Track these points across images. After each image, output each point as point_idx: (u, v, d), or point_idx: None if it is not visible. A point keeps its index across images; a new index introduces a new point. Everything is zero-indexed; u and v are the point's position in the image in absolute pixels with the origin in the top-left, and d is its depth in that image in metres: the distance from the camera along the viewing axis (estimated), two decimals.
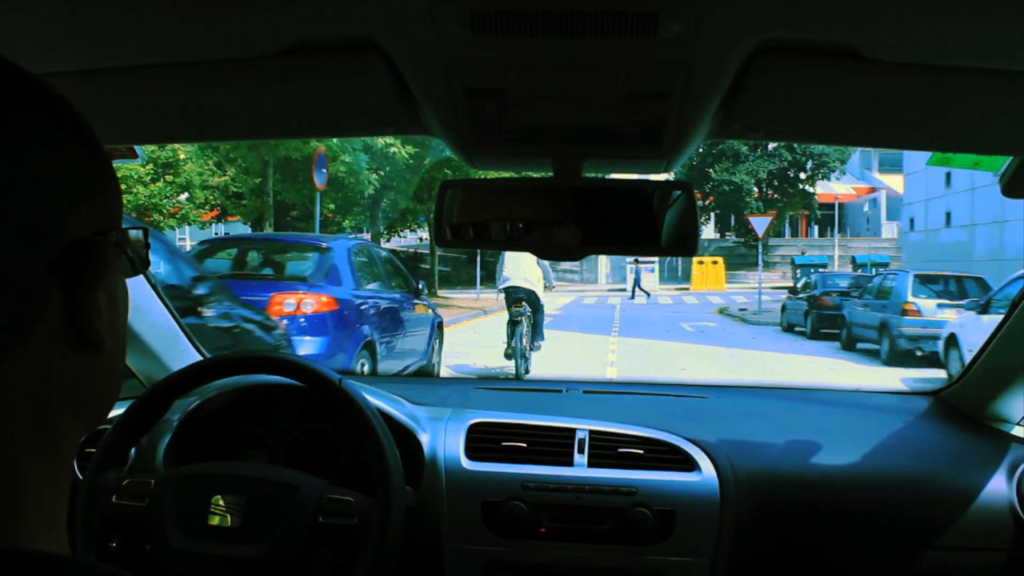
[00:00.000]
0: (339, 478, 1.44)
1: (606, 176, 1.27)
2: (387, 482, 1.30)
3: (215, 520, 1.29)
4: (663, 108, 0.94)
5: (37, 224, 0.44)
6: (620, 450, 1.60)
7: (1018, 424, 1.70)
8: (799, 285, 16.65)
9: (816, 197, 34.30)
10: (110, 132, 1.05)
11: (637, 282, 26.07)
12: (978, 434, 1.69)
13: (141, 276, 1.68)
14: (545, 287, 8.64)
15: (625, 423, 1.65)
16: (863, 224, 39.66)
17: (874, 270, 21.17)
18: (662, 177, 1.27)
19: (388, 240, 30.55)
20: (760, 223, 18.91)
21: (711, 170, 32.57)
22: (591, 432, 1.63)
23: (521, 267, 8.30)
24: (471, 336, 13.70)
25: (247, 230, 20.06)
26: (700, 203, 35.57)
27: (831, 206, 37.09)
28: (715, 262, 29.79)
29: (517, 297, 8.28)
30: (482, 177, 1.27)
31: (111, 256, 0.48)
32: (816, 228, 41.09)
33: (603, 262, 34.71)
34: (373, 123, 1.15)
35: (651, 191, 1.17)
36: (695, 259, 29.44)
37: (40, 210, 0.44)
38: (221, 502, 1.30)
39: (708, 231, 38.91)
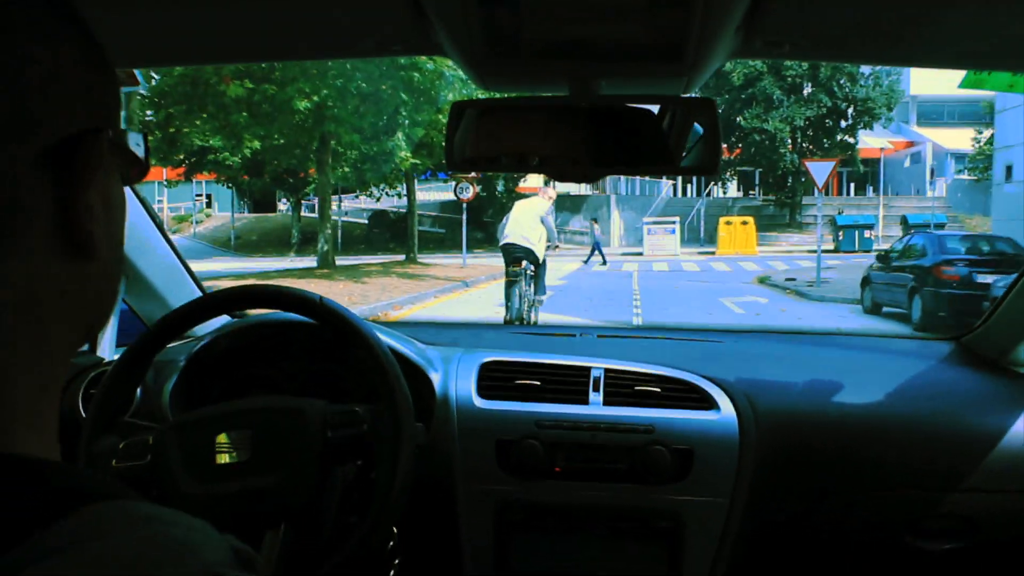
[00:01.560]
0: None
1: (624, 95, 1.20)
2: (396, 399, 1.28)
3: (223, 459, 1.26)
4: (684, 18, 0.92)
5: (25, 115, 0.44)
6: (636, 388, 1.62)
7: None
8: (893, 250, 13.05)
9: (857, 149, 32.03)
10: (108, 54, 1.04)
11: (597, 246, 23.76)
12: (1001, 378, 1.71)
13: (144, 212, 1.71)
14: (549, 246, 8.54)
15: (641, 363, 1.64)
16: (903, 181, 37.96)
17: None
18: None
19: (378, 199, 29.22)
20: (819, 169, 14.66)
21: (740, 117, 30.48)
22: (606, 370, 1.64)
23: (521, 224, 8.32)
24: (439, 315, 12.14)
25: (223, 191, 17.87)
26: (727, 158, 31.08)
27: (870, 161, 35.18)
28: (745, 222, 27.49)
29: (515, 256, 8.23)
30: (496, 97, 1.22)
31: (104, 154, 0.48)
32: (852, 186, 39.33)
33: (616, 222, 32.83)
34: (382, 41, 1.11)
35: (672, 109, 1.16)
36: (722, 219, 27.93)
37: (29, 101, 0.44)
38: (226, 439, 1.27)
39: (732, 189, 37.24)
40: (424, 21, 0.97)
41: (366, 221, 32.46)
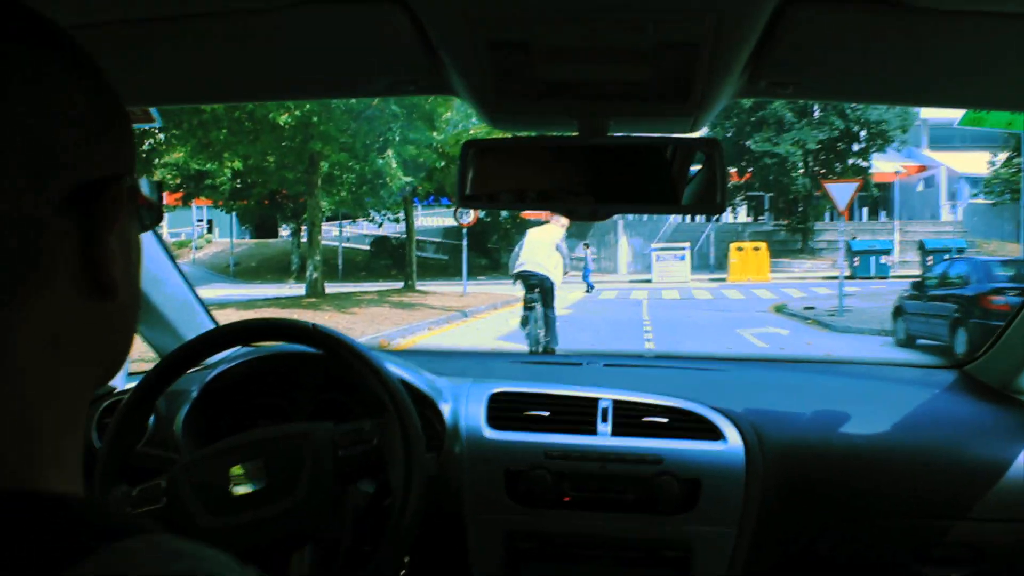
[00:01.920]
0: None
1: (631, 135, 1.27)
2: (400, 410, 1.33)
3: (238, 490, 1.30)
4: (692, 60, 0.95)
5: (48, 161, 0.46)
6: (644, 419, 1.65)
7: None
8: (929, 277, 12.30)
9: (871, 173, 31.40)
10: (123, 93, 0.92)
11: (586, 274, 22.78)
12: (1004, 406, 1.73)
13: (158, 246, 1.78)
14: (551, 282, 8.64)
15: (648, 393, 1.68)
16: (916, 206, 37.63)
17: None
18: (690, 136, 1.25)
19: (380, 225, 29.02)
20: (841, 191, 13.59)
21: (750, 141, 29.98)
22: (614, 401, 1.68)
23: (536, 251, 8.52)
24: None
25: (224, 217, 17.14)
26: (736, 182, 30.14)
27: (882, 185, 34.69)
28: (757, 248, 26.94)
29: (531, 283, 8.49)
30: (506, 136, 1.26)
31: (124, 200, 0.51)
32: (865, 211, 39.03)
33: (624, 248, 32.56)
34: (394, 82, 1.14)
35: (678, 148, 1.19)
36: (733, 245, 27.43)
37: (52, 147, 0.46)
38: (239, 471, 1.31)
39: (742, 214, 36.60)
40: (436, 62, 1.00)
41: (368, 247, 31.98)
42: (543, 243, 8.62)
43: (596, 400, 1.70)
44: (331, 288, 20.11)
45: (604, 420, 1.67)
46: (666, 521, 1.57)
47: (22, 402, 0.46)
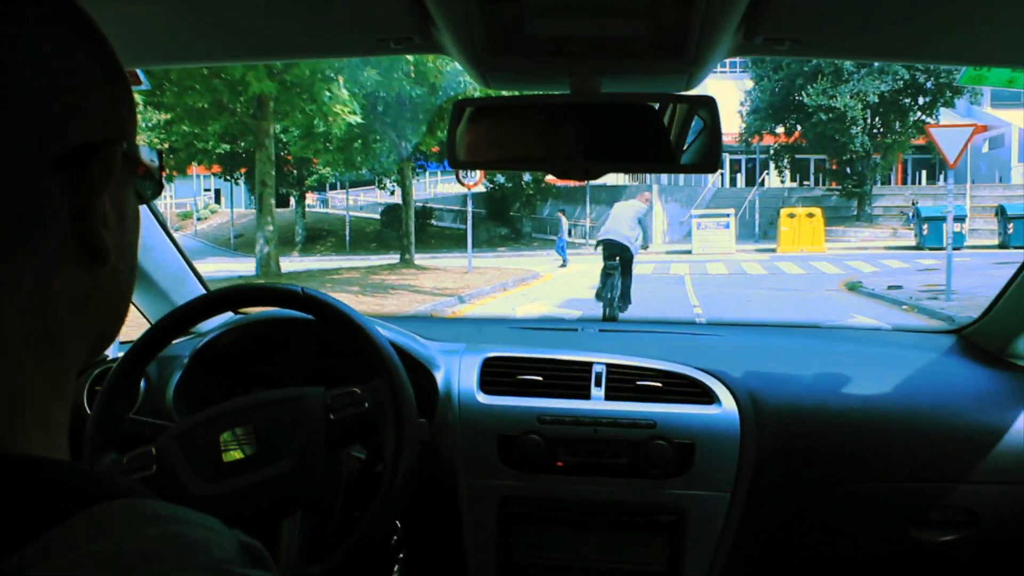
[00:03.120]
0: None
1: (625, 92, 1.30)
2: (390, 371, 1.35)
3: (230, 456, 1.33)
4: (686, 14, 0.95)
5: (41, 122, 0.47)
6: (638, 383, 1.68)
7: None
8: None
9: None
10: None
11: (559, 246, 20.94)
12: (1002, 371, 1.78)
13: (147, 210, 1.79)
14: (641, 246, 9.68)
15: (642, 357, 1.74)
16: (980, 168, 34.52)
17: None
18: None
19: (392, 192, 26.88)
20: (949, 139, 9.94)
21: (803, 94, 27.59)
22: (608, 365, 1.71)
23: (620, 222, 9.45)
24: None
25: (233, 188, 14.80)
26: (783, 143, 26.07)
27: (925, 148, 30.99)
28: (811, 215, 24.22)
29: (611, 252, 9.39)
30: (498, 96, 1.30)
31: (118, 164, 0.51)
32: (923, 174, 35.80)
33: (659, 215, 28.77)
34: (384, 40, 1.15)
35: (672, 106, 1.22)
36: (783, 211, 24.86)
37: (46, 108, 0.47)
38: (230, 436, 1.34)
39: (787, 178, 33.62)
40: (426, 20, 1.01)
41: (379, 217, 30.45)
42: (626, 216, 9.52)
43: (590, 364, 1.73)
44: (316, 262, 17.37)
45: (598, 384, 1.69)
46: (660, 485, 1.60)
47: (9, 365, 0.46)
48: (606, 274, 9.50)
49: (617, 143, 1.18)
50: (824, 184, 32.33)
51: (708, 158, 1.15)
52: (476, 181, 16.02)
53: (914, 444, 1.64)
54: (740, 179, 36.33)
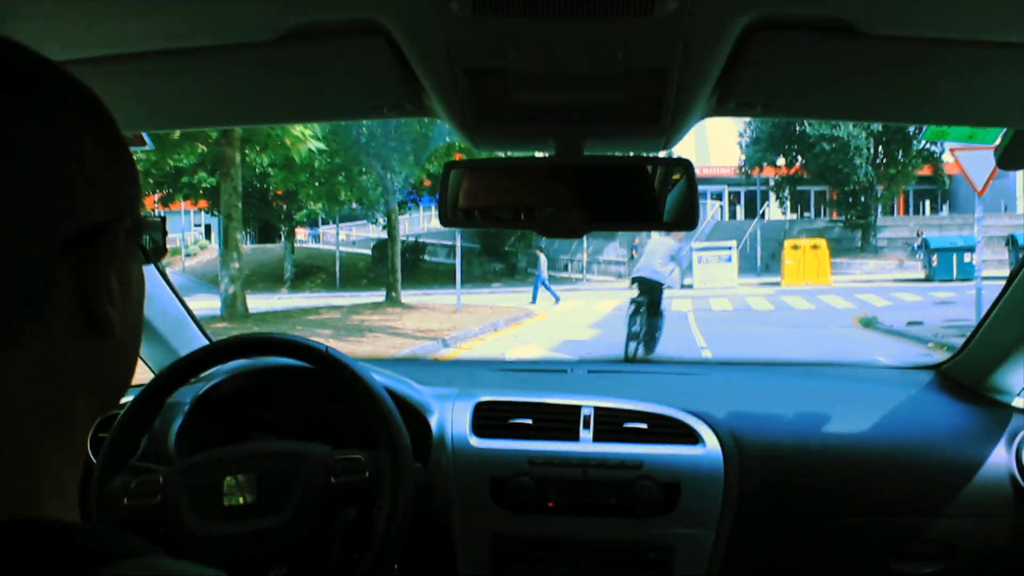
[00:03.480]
0: None
1: (608, 155, 1.40)
2: (396, 446, 1.43)
3: (231, 500, 1.41)
4: (661, 85, 1.03)
5: (51, 207, 0.49)
6: (625, 425, 1.76)
7: (1018, 396, 1.85)
8: None
9: (941, 161, 28.30)
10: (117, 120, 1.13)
11: (541, 283, 20.14)
12: (979, 406, 1.85)
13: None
14: (667, 287, 9.75)
15: (629, 399, 1.82)
16: (985, 198, 28.34)
17: None
18: (663, 155, 1.39)
19: (384, 227, 24.47)
20: (976, 163, 8.96)
21: (804, 124, 27.23)
22: (596, 408, 1.79)
23: (652, 260, 9.62)
24: None
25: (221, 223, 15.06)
26: (784, 175, 29.86)
27: (929, 179, 31.15)
28: (815, 247, 23.61)
29: (642, 288, 9.61)
30: (486, 157, 1.38)
31: (122, 242, 0.54)
32: (926, 204, 35.88)
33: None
34: (378, 106, 1.22)
35: (652, 168, 1.29)
36: (787, 243, 24.28)
37: (54, 193, 0.49)
38: (233, 482, 1.41)
39: (774, 209, 33.10)
40: (418, 89, 1.07)
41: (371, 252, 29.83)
42: (661, 252, 9.59)
43: (578, 407, 1.80)
44: (304, 299, 16.29)
45: (586, 427, 1.76)
46: (647, 524, 1.66)
47: (23, 436, 0.49)
48: (634, 311, 9.62)
49: (602, 202, 1.24)
50: (826, 215, 31.87)
51: (686, 216, 1.22)
52: None
53: (893, 479, 1.71)
54: (740, 211, 35.74)
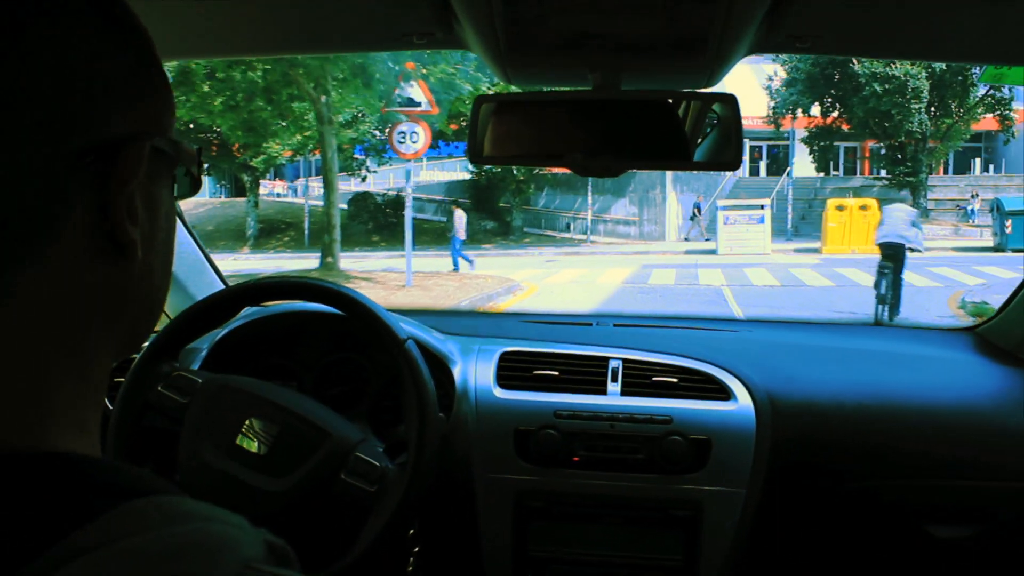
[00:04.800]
0: (369, 409, 1.67)
1: (647, 89, 1.38)
2: (423, 417, 1.42)
3: (244, 442, 1.40)
4: (708, 11, 0.97)
5: (63, 115, 0.47)
6: (654, 379, 1.75)
7: None
8: None
9: (1013, 109, 24.19)
10: None
11: (455, 247, 17.39)
12: (1017, 368, 1.83)
13: None
14: (911, 249, 10.32)
15: (659, 353, 1.83)
16: None
17: None
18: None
19: (363, 179, 23.27)
20: None
21: (854, 63, 23.02)
22: (624, 361, 1.78)
23: (895, 224, 10.18)
24: None
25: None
26: (822, 126, 25.70)
27: (983, 135, 27.85)
28: (864, 207, 19.85)
29: (887, 253, 10.20)
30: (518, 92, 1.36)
31: (145, 158, 0.52)
32: (976, 163, 30.92)
33: (673, 207, 24.55)
34: (407, 35, 1.17)
35: (694, 102, 1.26)
36: (831, 203, 20.70)
37: (74, 101, 0.47)
38: (255, 425, 1.41)
39: (805, 166, 28.39)
40: (449, 15, 1.05)
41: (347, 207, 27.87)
42: (902, 218, 10.34)
43: (606, 360, 1.79)
44: (262, 260, 12.40)
45: (614, 380, 1.75)
46: (675, 481, 1.66)
47: (39, 361, 0.47)
48: (880, 274, 10.36)
49: (637, 140, 1.21)
50: (856, 174, 29.13)
51: (728, 155, 1.17)
52: (418, 149, 11.27)
53: (930, 441, 1.73)
54: (762, 167, 31.75)
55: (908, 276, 15.00)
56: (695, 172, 27.27)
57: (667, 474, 1.63)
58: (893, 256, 10.20)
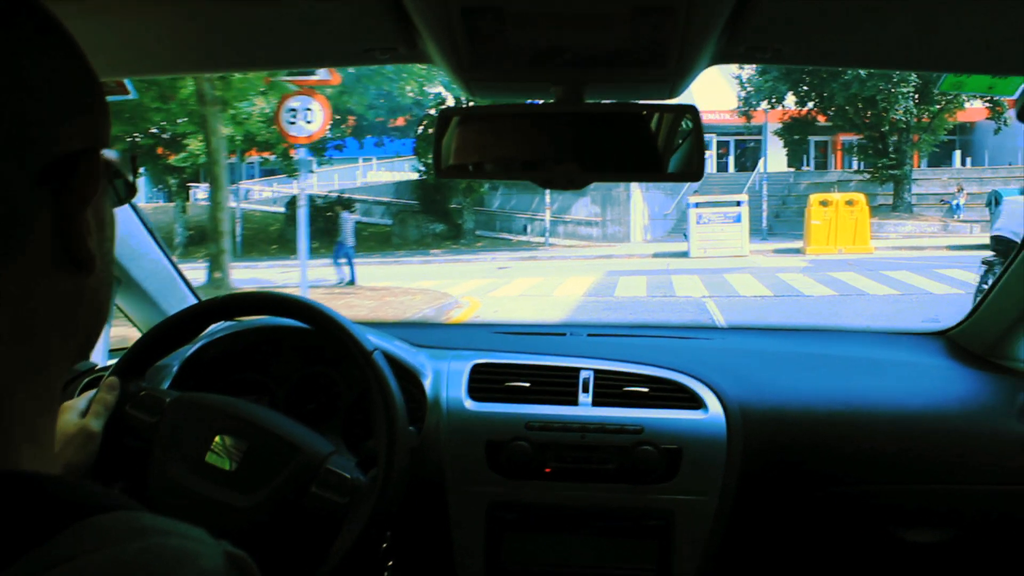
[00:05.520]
0: (343, 423, 1.72)
1: (610, 102, 1.42)
2: (391, 428, 1.43)
3: (213, 459, 1.42)
4: (668, 25, 1.00)
5: (25, 134, 0.49)
6: (625, 389, 1.78)
7: None
8: None
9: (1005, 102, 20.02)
10: (98, 65, 0.86)
11: (346, 253, 15.51)
12: (987, 372, 1.89)
13: (136, 219, 1.91)
14: None
15: (631, 363, 1.87)
16: (1006, 148, 28.10)
17: None
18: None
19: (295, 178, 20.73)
20: None
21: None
22: (596, 371, 1.82)
23: (1013, 219, 9.92)
24: None
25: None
26: (796, 118, 24.23)
27: (964, 127, 27.41)
28: (851, 202, 18.31)
29: (998, 247, 9.91)
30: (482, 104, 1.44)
31: (100, 173, 0.55)
32: (957, 155, 29.82)
33: (638, 207, 22.72)
34: (369, 50, 1.19)
35: (656, 114, 1.26)
36: (814, 198, 18.97)
37: (28, 121, 0.50)
38: (222, 443, 1.42)
39: (775, 161, 26.53)
40: (411, 31, 1.08)
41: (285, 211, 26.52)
42: (1021, 213, 10.13)
43: (577, 370, 1.83)
44: (187, 268, 9.92)
45: (585, 390, 1.79)
46: (647, 491, 1.70)
47: (2, 375, 0.49)
48: (988, 270, 10.14)
49: (603, 151, 1.21)
50: (828, 168, 28.08)
51: (692, 166, 1.19)
52: (314, 132, 9.04)
53: (900, 446, 1.78)
54: (730, 163, 30.00)
55: (919, 281, 13.04)
56: None
57: (638, 484, 1.68)
58: (1005, 252, 9.76)
